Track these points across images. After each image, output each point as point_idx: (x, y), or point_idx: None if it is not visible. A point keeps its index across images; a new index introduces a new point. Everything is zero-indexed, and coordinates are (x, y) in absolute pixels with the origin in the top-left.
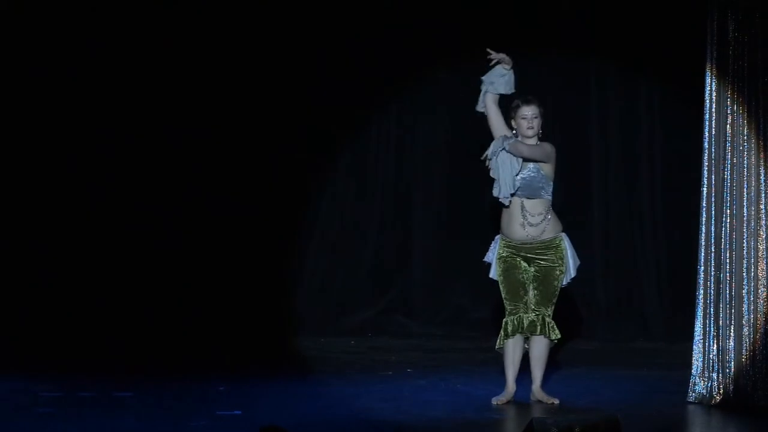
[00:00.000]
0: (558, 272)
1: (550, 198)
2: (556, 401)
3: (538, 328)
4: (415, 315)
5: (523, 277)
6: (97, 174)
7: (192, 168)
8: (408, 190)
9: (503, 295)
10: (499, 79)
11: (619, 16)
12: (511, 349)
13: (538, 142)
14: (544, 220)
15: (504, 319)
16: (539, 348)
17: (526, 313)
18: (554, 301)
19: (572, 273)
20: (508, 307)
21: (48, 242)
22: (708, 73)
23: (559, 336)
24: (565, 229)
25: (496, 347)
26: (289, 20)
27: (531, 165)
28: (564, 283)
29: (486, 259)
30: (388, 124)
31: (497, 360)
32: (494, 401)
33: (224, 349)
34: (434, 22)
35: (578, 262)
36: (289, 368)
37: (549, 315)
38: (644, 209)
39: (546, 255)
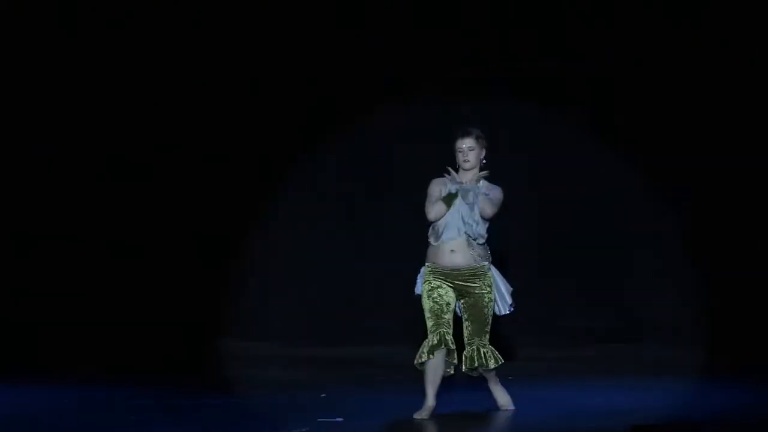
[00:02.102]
0: (487, 299)
1: (485, 235)
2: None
3: (476, 360)
4: None
5: (448, 296)
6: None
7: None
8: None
9: (426, 314)
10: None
11: None
12: (433, 367)
13: (486, 185)
14: (474, 249)
15: (426, 339)
16: (490, 378)
17: (449, 330)
18: (487, 330)
19: (508, 299)
20: (429, 325)
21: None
22: None
23: (500, 361)
24: None
25: (416, 363)
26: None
27: (477, 216)
28: (504, 311)
29: (417, 290)
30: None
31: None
32: (416, 416)
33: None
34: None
35: (511, 288)
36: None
37: (484, 344)
38: None
39: (474, 283)
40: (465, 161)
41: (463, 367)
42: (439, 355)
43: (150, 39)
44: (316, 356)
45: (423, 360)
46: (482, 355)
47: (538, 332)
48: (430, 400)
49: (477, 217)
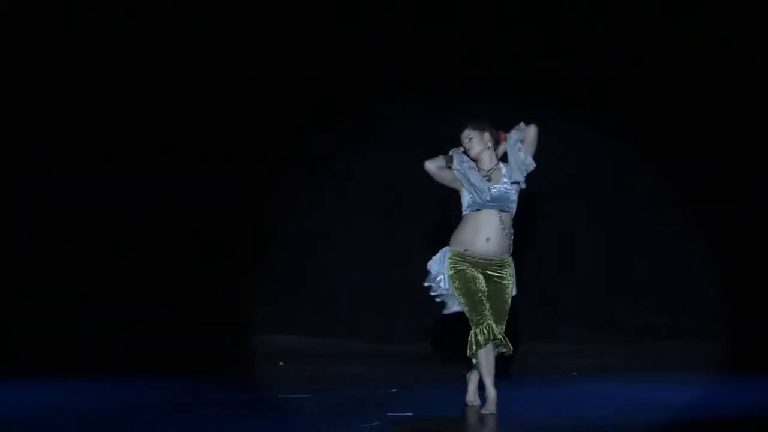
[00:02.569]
0: (510, 290)
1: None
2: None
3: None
4: None
5: (481, 286)
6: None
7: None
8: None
9: (466, 309)
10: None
11: None
12: (485, 357)
13: (503, 166)
14: (510, 236)
15: (472, 331)
16: (491, 360)
17: (492, 320)
18: (506, 317)
19: (514, 291)
20: (474, 318)
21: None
22: None
23: (508, 351)
24: None
25: (468, 355)
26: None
27: (505, 178)
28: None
29: (430, 269)
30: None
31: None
32: (482, 411)
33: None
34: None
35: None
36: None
37: (503, 329)
38: None
39: (501, 272)
40: (470, 149)
41: (494, 336)
42: (490, 345)
43: (150, 39)
44: (390, 352)
45: (473, 353)
46: (504, 339)
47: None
48: (491, 392)
49: (515, 196)
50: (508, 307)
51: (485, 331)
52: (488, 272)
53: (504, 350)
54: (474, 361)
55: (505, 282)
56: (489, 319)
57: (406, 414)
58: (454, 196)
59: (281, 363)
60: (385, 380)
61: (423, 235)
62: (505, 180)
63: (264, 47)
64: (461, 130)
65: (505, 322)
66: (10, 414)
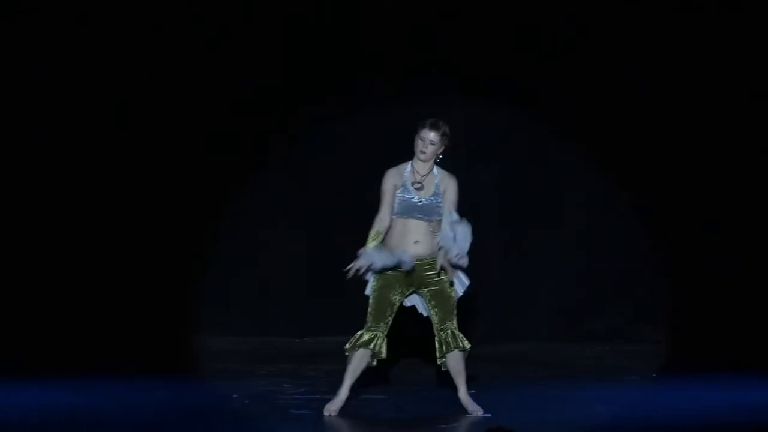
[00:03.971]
0: (449, 283)
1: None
2: (481, 412)
3: (451, 344)
4: None
5: (395, 299)
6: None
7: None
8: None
9: (369, 310)
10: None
11: None
12: (357, 360)
13: (440, 176)
14: (433, 238)
15: (361, 330)
16: (455, 361)
17: (384, 334)
18: (455, 312)
19: (460, 288)
20: (369, 322)
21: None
22: None
23: (469, 346)
24: None
25: (345, 350)
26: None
27: (431, 192)
28: (460, 293)
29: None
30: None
31: None
32: (326, 411)
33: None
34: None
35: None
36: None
37: (455, 327)
38: None
39: (433, 270)
40: (422, 152)
41: (437, 355)
42: (361, 351)
43: (139, 40)
44: (471, 353)
45: (350, 351)
46: (457, 337)
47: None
48: (344, 392)
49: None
50: (452, 302)
51: (365, 336)
52: (423, 274)
53: (464, 347)
54: (346, 354)
55: (443, 278)
56: (380, 332)
57: (485, 415)
58: None
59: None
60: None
61: None
62: (435, 191)
63: (263, 47)
64: (428, 128)
65: (454, 320)
66: None
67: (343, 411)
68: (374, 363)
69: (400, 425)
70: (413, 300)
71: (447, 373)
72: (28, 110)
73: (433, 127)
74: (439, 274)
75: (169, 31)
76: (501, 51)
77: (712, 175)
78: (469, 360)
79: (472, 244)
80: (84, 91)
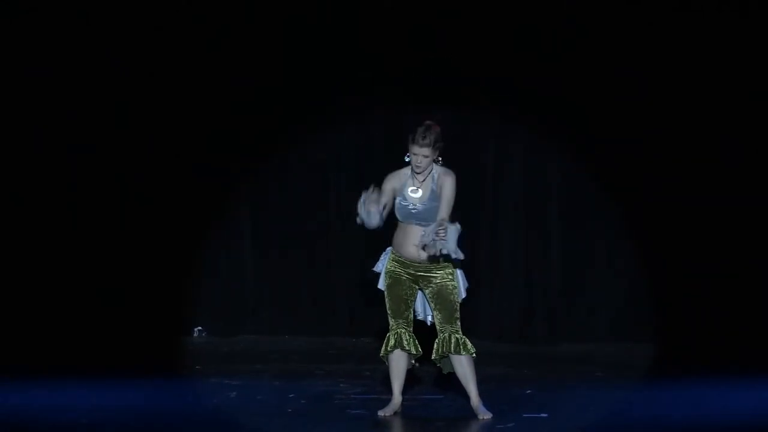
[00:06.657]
0: (451, 286)
1: None
2: (489, 416)
3: (452, 347)
4: None
5: (406, 294)
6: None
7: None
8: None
9: (387, 311)
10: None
11: None
12: (395, 362)
13: (437, 175)
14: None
15: (387, 334)
16: (460, 366)
17: (408, 328)
18: (457, 316)
19: (463, 290)
20: (390, 323)
21: None
22: None
23: (473, 351)
24: None
25: (381, 357)
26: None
27: (427, 197)
28: (464, 295)
29: (375, 268)
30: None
31: None
32: (380, 413)
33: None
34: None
35: (466, 284)
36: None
37: (457, 332)
38: None
39: (434, 272)
40: (417, 166)
41: (432, 356)
42: (398, 352)
43: (132, 45)
44: (529, 353)
45: (384, 355)
46: (459, 343)
47: None
48: (396, 397)
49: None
50: (454, 305)
51: (394, 338)
52: (424, 274)
53: (465, 353)
54: (384, 361)
55: (446, 282)
56: (402, 328)
57: (542, 415)
58: None
59: (416, 364)
60: (524, 381)
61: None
62: (431, 195)
63: (262, 46)
64: (419, 145)
65: (456, 324)
66: None
67: (399, 411)
68: (417, 364)
69: (455, 424)
70: (416, 307)
71: (513, 373)
72: (28, 110)
73: (423, 140)
74: (439, 278)
75: (169, 31)
76: (501, 51)
77: (713, 175)
78: (531, 360)
79: (461, 238)
80: (84, 91)
